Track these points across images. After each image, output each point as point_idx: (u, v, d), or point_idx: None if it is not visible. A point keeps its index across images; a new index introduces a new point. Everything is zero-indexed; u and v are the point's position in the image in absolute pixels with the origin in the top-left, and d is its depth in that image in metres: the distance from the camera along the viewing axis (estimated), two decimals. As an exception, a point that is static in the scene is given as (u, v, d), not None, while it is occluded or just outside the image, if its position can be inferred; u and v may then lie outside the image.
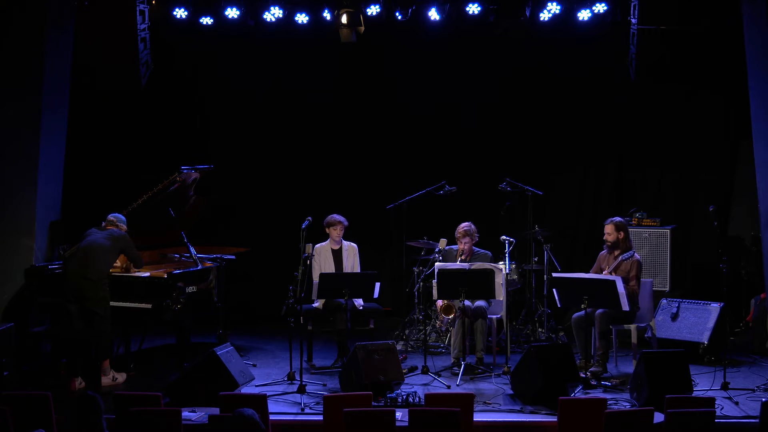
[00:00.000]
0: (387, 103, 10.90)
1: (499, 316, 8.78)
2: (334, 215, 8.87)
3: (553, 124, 10.79)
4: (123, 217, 8.26)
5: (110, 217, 8.21)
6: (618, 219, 8.49)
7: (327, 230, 8.86)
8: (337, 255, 8.87)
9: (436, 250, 8.79)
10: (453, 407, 6.04)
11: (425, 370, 8.12)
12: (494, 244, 9.13)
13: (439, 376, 8.12)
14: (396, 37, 10.48)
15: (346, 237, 8.93)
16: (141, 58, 9.81)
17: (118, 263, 8.36)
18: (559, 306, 8.38)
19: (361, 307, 8.71)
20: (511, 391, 7.67)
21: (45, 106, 9.09)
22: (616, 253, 8.36)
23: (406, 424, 6.12)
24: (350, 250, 8.91)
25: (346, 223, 8.86)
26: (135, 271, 8.38)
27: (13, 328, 7.94)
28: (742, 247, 10.19)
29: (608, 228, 8.42)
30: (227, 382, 7.29)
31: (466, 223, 8.66)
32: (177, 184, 8.63)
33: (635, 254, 8.38)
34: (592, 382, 7.81)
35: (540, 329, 9.52)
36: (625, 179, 10.82)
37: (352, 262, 8.87)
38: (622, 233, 8.41)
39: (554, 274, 8.37)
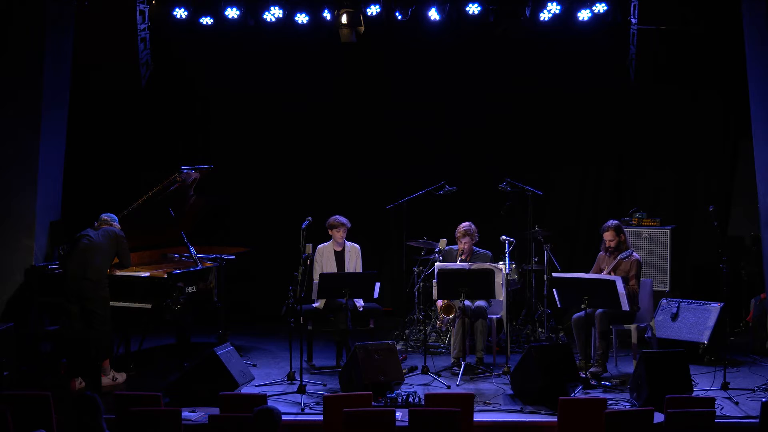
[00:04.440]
0: (387, 103, 10.89)
1: (499, 316, 8.78)
2: (337, 217, 8.83)
3: (553, 124, 10.78)
4: (116, 217, 8.25)
5: (104, 216, 8.19)
6: (614, 222, 8.47)
7: (330, 232, 8.83)
8: (340, 256, 8.84)
9: (436, 250, 8.79)
10: (453, 407, 6.05)
11: (425, 370, 8.12)
12: (494, 244, 9.12)
13: (439, 376, 8.12)
14: (396, 37, 10.47)
15: (347, 237, 8.92)
16: (141, 58, 9.80)
17: None
18: (559, 306, 8.37)
19: (362, 308, 8.70)
20: (511, 391, 7.67)
21: (45, 106, 9.10)
22: (616, 253, 8.36)
23: (406, 424, 6.13)
24: (353, 252, 8.89)
25: (348, 224, 8.83)
26: (134, 271, 8.38)
27: (13, 328, 7.95)
28: (742, 247, 10.19)
29: (609, 234, 8.39)
30: (227, 382, 7.29)
31: (466, 223, 8.66)
32: (177, 184, 8.62)
33: (634, 253, 8.38)
34: (592, 382, 7.81)
35: (540, 329, 9.52)
36: (625, 179, 10.81)
37: (354, 264, 8.84)
38: (622, 235, 8.42)
39: (554, 274, 8.37)
